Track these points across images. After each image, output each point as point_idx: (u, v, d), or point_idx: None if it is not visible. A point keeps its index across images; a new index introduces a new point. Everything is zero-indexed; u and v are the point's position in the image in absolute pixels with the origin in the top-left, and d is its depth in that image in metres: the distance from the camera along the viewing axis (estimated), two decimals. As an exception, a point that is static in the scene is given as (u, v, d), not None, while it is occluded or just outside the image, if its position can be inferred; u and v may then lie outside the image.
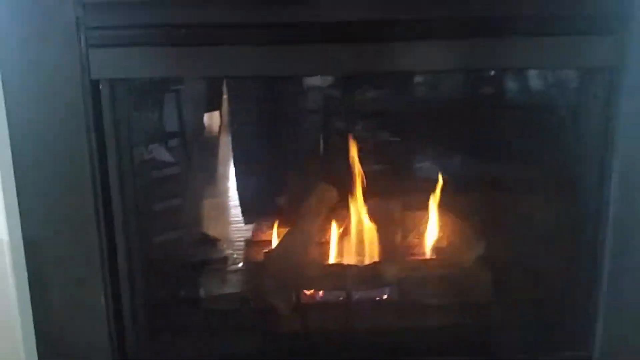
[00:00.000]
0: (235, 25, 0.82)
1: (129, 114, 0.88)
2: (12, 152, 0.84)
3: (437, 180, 1.14)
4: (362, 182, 1.13)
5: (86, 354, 0.92)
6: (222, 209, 1.35)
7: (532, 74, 1.10)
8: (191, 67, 0.86)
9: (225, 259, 1.21)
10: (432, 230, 1.17)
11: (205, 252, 1.22)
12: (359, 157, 1.13)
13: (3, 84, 0.81)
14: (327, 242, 1.16)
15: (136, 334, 0.94)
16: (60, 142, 0.84)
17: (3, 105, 0.81)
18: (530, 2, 0.81)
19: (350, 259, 1.15)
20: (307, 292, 1.10)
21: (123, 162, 0.88)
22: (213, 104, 1.31)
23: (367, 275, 1.10)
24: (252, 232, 1.26)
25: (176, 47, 0.83)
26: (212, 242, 1.24)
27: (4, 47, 0.79)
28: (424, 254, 1.18)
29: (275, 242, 1.16)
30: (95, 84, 0.82)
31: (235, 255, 1.23)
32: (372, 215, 1.14)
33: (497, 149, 1.13)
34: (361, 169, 1.14)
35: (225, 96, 1.25)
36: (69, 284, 0.89)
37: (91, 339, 0.91)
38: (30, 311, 0.91)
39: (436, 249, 1.17)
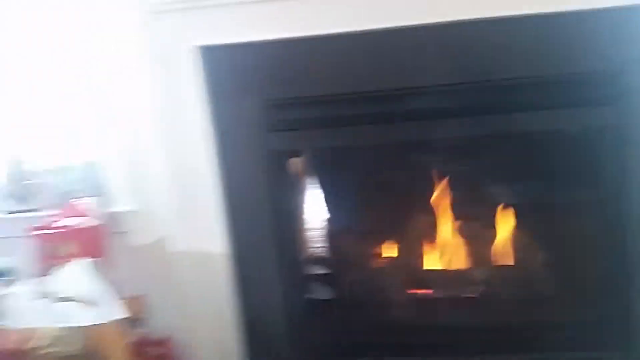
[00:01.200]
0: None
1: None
2: (228, 199, 1.44)
3: (509, 203, 1.51)
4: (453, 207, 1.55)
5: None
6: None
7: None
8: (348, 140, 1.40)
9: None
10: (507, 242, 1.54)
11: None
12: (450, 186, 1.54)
13: (222, 155, 1.42)
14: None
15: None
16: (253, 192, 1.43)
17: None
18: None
19: (446, 266, 1.58)
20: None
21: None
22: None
23: (460, 277, 1.54)
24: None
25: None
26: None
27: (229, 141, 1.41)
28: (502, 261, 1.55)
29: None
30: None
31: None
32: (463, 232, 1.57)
33: (551, 177, 1.46)
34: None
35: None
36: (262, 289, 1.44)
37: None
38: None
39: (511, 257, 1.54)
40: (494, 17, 1.25)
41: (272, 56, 1.37)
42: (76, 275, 1.18)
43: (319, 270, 1.64)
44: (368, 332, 1.56)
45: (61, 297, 1.09)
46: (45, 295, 1.09)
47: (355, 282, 1.63)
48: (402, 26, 1.28)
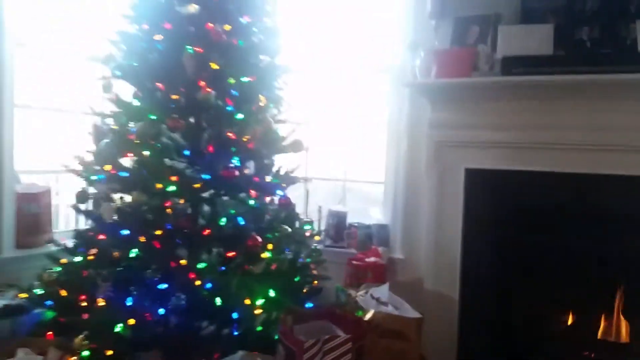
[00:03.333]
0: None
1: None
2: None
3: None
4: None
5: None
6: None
7: None
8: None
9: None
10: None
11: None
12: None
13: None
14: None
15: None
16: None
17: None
18: None
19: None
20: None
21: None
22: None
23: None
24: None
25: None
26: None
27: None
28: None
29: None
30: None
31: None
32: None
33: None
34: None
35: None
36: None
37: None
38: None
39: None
40: None
41: (508, 180, 2.23)
42: (384, 291, 2.15)
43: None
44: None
45: (382, 301, 2.06)
46: (374, 299, 2.07)
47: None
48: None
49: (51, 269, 2.02)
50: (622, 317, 2.25)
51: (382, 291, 2.17)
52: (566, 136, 2.13)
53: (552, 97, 2.14)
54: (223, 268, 1.88)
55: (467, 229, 2.34)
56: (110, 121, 2.03)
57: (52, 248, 2.15)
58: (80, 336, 1.78)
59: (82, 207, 2.07)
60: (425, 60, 2.37)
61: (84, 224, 2.38)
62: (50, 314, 2.00)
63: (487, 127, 2.26)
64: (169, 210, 1.87)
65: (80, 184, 2.13)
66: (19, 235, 2.39)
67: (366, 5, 2.82)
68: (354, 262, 2.47)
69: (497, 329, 2.36)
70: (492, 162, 2.28)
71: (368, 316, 1.98)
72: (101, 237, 1.91)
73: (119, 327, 1.73)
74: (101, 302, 1.77)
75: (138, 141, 1.89)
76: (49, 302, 1.97)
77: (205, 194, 1.97)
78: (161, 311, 1.82)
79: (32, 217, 2.43)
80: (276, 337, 1.87)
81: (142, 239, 1.86)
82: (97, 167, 2.00)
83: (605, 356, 2.26)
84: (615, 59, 2.03)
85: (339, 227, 2.69)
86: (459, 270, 2.34)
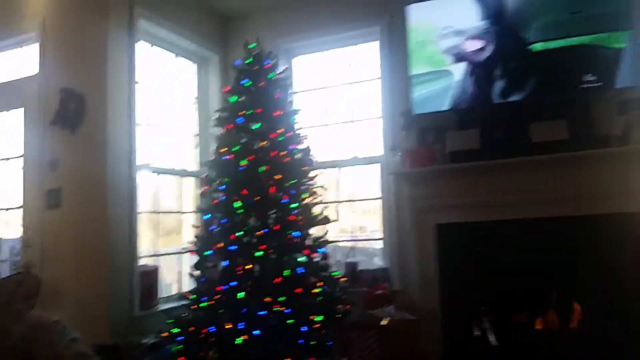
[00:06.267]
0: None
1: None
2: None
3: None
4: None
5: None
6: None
7: None
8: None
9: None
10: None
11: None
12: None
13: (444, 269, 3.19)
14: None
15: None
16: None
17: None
18: None
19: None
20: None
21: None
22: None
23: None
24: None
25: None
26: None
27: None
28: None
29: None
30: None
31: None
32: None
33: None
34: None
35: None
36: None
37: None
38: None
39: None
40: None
41: (464, 228, 3.49)
42: (391, 310, 3.33)
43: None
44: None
45: (392, 314, 3.24)
46: (387, 314, 3.25)
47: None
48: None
49: (180, 316, 3.16)
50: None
51: (391, 310, 3.36)
52: (500, 196, 3.42)
53: (486, 173, 3.45)
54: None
55: (441, 264, 3.57)
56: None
57: (162, 307, 3.37)
58: (211, 351, 2.92)
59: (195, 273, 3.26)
60: (402, 157, 3.68)
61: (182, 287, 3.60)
62: (176, 347, 3.10)
63: (447, 196, 3.55)
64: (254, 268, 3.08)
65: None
66: (142, 300, 3.51)
67: (358, 118, 4.18)
68: (369, 294, 3.66)
69: (469, 330, 3.53)
70: (453, 218, 3.55)
71: (383, 322, 3.16)
72: (218, 289, 3.08)
73: (239, 340, 2.89)
74: (228, 325, 2.92)
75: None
76: (179, 338, 3.10)
77: (273, 256, 3.18)
78: (256, 332, 2.98)
79: (149, 288, 3.57)
80: (330, 343, 3.03)
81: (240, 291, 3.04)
82: (208, 246, 3.20)
83: (542, 340, 3.42)
84: (517, 149, 3.35)
85: (353, 272, 3.88)
86: (438, 292, 3.54)
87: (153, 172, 3.81)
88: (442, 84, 3.61)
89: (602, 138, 3.22)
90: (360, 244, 4.24)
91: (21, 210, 3.58)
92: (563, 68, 3.37)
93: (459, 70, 3.58)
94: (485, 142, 3.47)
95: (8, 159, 3.79)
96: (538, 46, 3.40)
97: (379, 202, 4.02)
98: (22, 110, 3.66)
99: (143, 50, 3.76)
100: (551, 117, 3.32)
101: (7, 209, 3.80)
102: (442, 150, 3.60)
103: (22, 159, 3.61)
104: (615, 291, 3.19)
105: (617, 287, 3.18)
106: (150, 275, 3.61)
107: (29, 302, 2.10)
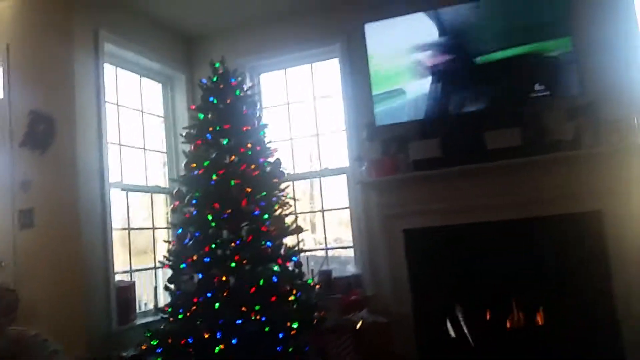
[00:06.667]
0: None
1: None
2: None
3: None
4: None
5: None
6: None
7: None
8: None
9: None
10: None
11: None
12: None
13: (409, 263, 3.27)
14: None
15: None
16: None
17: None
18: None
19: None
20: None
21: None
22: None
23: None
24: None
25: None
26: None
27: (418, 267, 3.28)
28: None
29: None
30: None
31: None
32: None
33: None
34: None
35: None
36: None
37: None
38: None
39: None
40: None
41: (428, 232, 3.66)
42: (365, 314, 3.44)
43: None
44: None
45: (365, 318, 3.36)
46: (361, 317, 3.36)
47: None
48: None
49: (158, 329, 3.19)
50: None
51: (364, 314, 3.48)
52: (463, 201, 3.60)
53: (448, 179, 3.62)
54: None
55: (410, 268, 3.71)
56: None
57: (140, 322, 3.41)
58: (190, 361, 2.97)
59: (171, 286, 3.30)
60: (367, 167, 3.84)
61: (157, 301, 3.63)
62: (156, 359, 3.14)
63: (412, 202, 3.72)
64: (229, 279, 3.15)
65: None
66: (120, 315, 3.52)
67: (323, 132, 4.33)
68: (343, 300, 3.76)
69: (442, 331, 3.66)
70: (419, 223, 3.71)
71: (358, 325, 3.27)
72: (194, 300, 3.13)
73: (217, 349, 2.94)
74: (206, 335, 2.98)
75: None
76: (159, 350, 3.13)
77: (248, 266, 3.26)
78: (234, 340, 3.04)
79: (126, 302, 3.59)
80: (307, 349, 3.12)
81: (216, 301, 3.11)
82: (182, 259, 3.26)
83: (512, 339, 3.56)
84: (475, 156, 3.55)
85: (327, 280, 3.99)
86: (410, 295, 3.69)
87: (124, 189, 3.84)
88: (403, 99, 3.80)
89: (554, 143, 3.45)
90: (333, 253, 4.35)
91: (-8, 232, 3.55)
92: (512, 78, 3.61)
93: (419, 84, 3.78)
94: (446, 151, 3.66)
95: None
96: (485, 58, 3.63)
97: (348, 211, 4.15)
98: (-11, 133, 3.65)
99: (109, 72, 3.83)
100: (506, 126, 3.53)
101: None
102: (405, 160, 3.77)
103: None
104: (573, 287, 3.40)
105: (576, 283, 3.39)
106: (127, 291, 3.63)
107: (9, 317, 2.13)
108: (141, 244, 4.18)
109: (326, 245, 4.30)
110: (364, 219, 4.00)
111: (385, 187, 3.81)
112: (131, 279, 3.83)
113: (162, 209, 4.28)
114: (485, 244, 3.59)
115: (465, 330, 3.52)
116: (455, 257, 3.66)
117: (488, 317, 3.61)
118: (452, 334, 3.57)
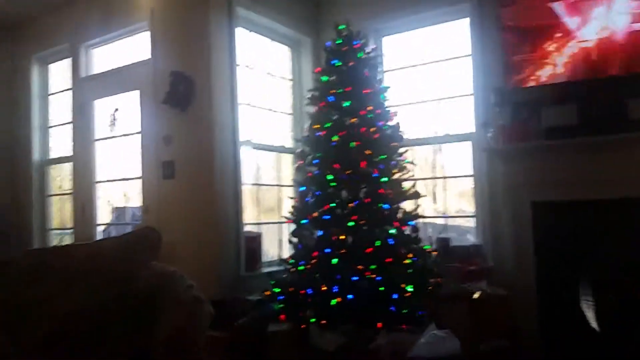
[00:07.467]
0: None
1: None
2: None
3: None
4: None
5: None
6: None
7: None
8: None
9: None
10: None
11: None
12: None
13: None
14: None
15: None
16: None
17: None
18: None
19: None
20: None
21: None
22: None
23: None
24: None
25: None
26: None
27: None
28: None
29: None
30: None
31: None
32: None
33: None
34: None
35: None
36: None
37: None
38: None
39: None
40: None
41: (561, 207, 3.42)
42: (484, 284, 3.34)
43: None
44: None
45: (483, 289, 3.26)
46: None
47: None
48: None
49: (280, 278, 3.40)
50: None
51: (483, 284, 3.38)
52: (598, 174, 3.29)
53: (585, 150, 3.33)
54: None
55: (537, 241, 3.51)
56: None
57: (265, 270, 3.65)
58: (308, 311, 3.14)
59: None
60: (495, 133, 3.65)
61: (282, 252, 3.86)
62: (277, 305, 3.35)
63: (542, 173, 3.47)
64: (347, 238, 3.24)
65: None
66: (247, 262, 3.80)
67: (448, 96, 4.19)
68: (461, 269, 3.68)
69: (566, 307, 3.44)
70: (549, 196, 3.47)
71: (475, 295, 3.20)
72: (314, 254, 3.28)
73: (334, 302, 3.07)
74: (323, 288, 3.11)
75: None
76: (280, 297, 3.34)
77: (365, 227, 3.31)
78: (350, 296, 3.14)
79: (253, 251, 3.85)
80: (420, 312, 3.13)
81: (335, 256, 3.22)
82: (304, 215, 3.41)
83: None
84: (614, 127, 3.21)
85: (445, 248, 3.92)
86: (534, 269, 3.50)
87: (254, 148, 4.07)
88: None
89: None
90: (452, 222, 4.25)
91: (140, 180, 4.00)
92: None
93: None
94: (582, 118, 3.36)
95: (127, 135, 4.22)
96: None
97: (471, 179, 4.01)
98: (137, 92, 4.06)
99: (242, 36, 4.02)
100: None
101: (128, 179, 4.25)
102: (537, 127, 3.52)
103: (139, 135, 4.02)
104: None
105: None
106: (255, 240, 3.90)
107: (153, 252, 2.40)
108: (269, 202, 4.42)
109: (446, 213, 4.22)
110: (488, 188, 3.83)
111: (513, 156, 3.60)
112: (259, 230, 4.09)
113: (288, 168, 4.48)
114: (624, 222, 3.27)
115: (589, 313, 3.26)
116: (587, 234, 3.38)
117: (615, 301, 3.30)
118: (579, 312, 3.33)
